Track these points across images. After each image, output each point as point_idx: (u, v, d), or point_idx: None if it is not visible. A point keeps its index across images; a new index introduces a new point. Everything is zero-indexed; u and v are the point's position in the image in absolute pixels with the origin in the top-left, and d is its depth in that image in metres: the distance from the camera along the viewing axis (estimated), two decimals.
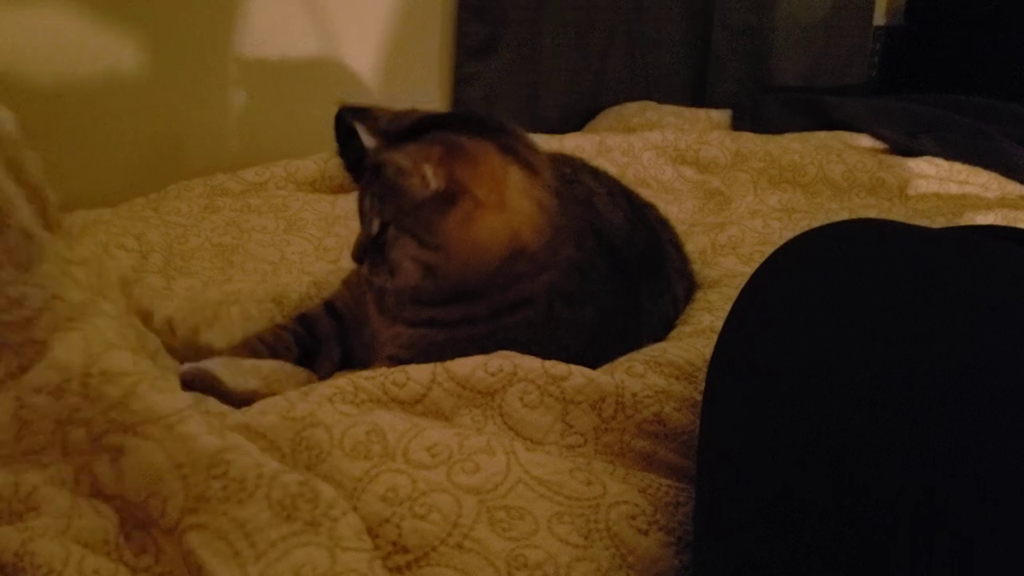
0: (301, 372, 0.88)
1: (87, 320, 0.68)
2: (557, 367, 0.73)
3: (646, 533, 0.61)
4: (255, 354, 0.88)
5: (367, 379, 0.72)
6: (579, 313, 0.85)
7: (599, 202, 0.99)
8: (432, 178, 0.78)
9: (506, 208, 0.81)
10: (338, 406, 0.69)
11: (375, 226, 0.82)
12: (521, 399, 0.71)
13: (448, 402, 0.72)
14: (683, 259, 1.11)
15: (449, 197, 0.79)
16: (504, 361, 0.73)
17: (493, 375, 0.72)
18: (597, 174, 1.10)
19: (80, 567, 0.55)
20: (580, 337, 0.85)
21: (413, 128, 0.84)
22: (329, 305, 0.98)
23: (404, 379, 0.72)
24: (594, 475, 0.65)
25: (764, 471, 0.48)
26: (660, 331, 0.95)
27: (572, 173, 1.04)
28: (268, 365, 0.85)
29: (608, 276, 0.88)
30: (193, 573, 0.56)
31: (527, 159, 0.84)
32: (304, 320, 0.96)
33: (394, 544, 0.59)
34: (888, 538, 0.40)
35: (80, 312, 0.70)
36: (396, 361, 0.84)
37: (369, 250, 0.83)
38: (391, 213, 0.80)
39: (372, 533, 0.60)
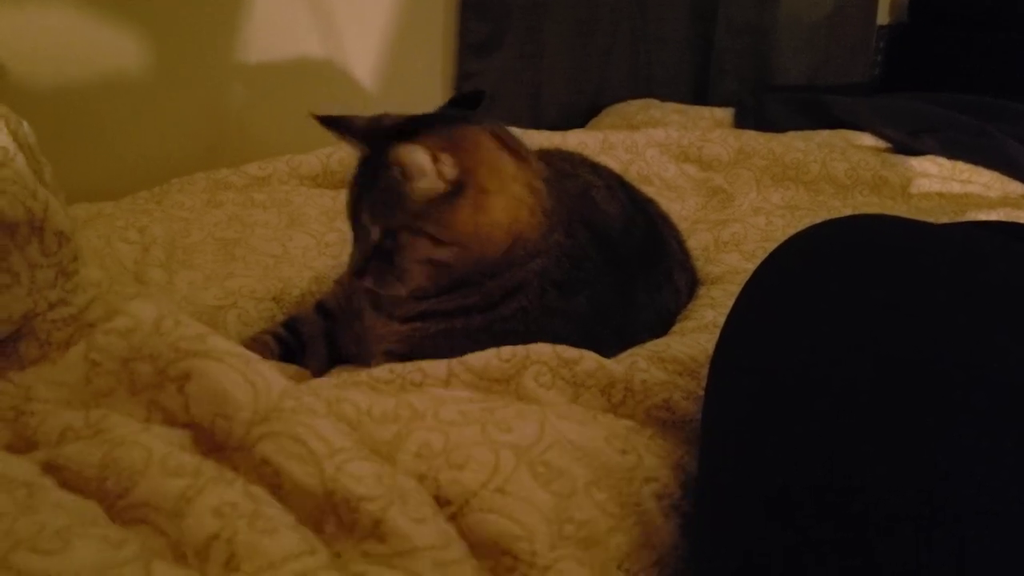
0: (288, 368, 0.88)
1: (155, 296, 0.69)
2: (568, 351, 0.73)
3: (668, 516, 0.61)
4: None
5: (385, 383, 0.72)
6: (571, 302, 0.85)
7: (596, 195, 0.99)
8: (449, 170, 0.78)
9: (504, 193, 0.82)
10: (360, 390, 0.69)
11: (375, 235, 0.80)
12: (536, 379, 0.72)
13: (467, 392, 0.72)
14: (685, 253, 1.11)
15: (457, 189, 0.79)
16: (516, 348, 0.74)
17: (507, 361, 0.72)
18: (597, 169, 1.10)
19: (164, 465, 0.54)
20: (573, 327, 0.85)
21: (399, 130, 0.82)
22: (320, 305, 0.97)
23: (421, 377, 0.72)
24: (629, 444, 0.65)
25: (764, 468, 0.48)
26: (658, 324, 0.95)
27: (571, 168, 1.04)
28: None
29: (601, 267, 0.88)
30: (271, 480, 0.56)
31: (514, 147, 0.86)
32: (290, 322, 0.96)
33: (436, 498, 0.57)
34: (885, 537, 0.40)
35: (145, 295, 0.71)
36: (392, 356, 0.84)
37: (372, 262, 0.82)
38: (401, 218, 0.79)
39: None
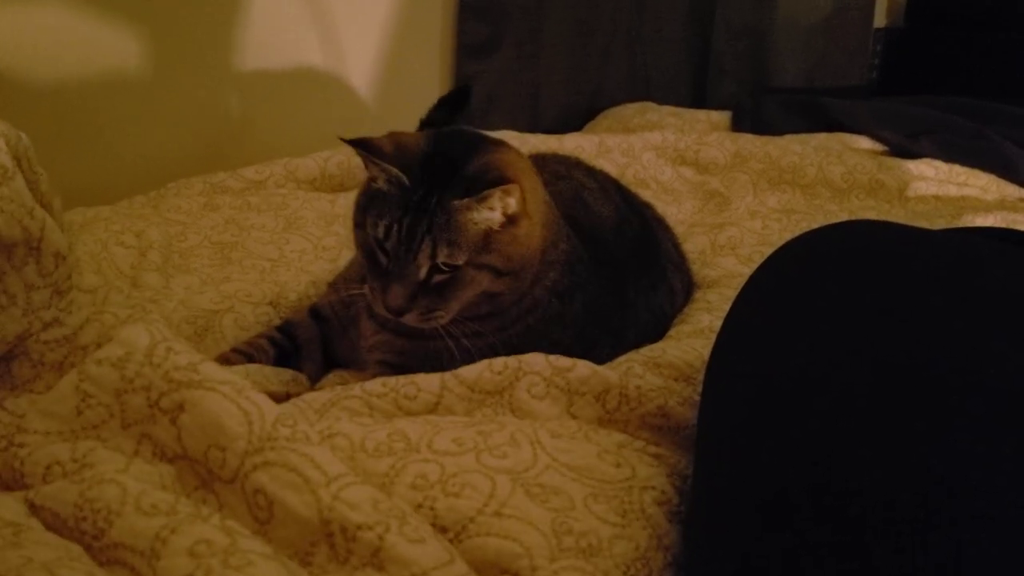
0: (284, 372, 0.87)
1: (147, 319, 0.68)
2: (561, 360, 0.74)
3: (671, 521, 0.61)
4: (229, 364, 0.87)
5: (379, 396, 0.72)
6: (568, 307, 0.85)
7: (589, 196, 0.99)
8: (516, 203, 0.77)
9: (539, 215, 0.82)
10: (355, 420, 0.69)
11: (423, 272, 0.77)
12: (528, 391, 0.72)
13: (460, 406, 0.72)
14: (681, 256, 1.11)
15: (511, 219, 0.78)
16: (508, 360, 0.74)
17: (499, 373, 0.73)
18: (592, 172, 1.10)
19: (138, 502, 0.54)
20: (569, 331, 0.85)
21: (437, 158, 0.79)
22: (314, 309, 0.97)
23: (415, 391, 0.72)
24: (622, 457, 0.65)
25: (760, 471, 0.48)
26: (652, 324, 0.95)
27: (564, 170, 1.04)
28: (246, 368, 0.84)
29: (593, 268, 0.89)
30: (263, 512, 0.56)
31: (530, 163, 0.85)
32: (285, 326, 0.95)
33: (432, 526, 0.57)
34: (882, 540, 0.40)
35: (137, 316, 0.70)
36: (385, 366, 0.84)
37: (418, 299, 0.78)
38: (466, 253, 0.76)
39: None
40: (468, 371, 0.73)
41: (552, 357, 0.74)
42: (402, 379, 0.73)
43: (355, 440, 0.64)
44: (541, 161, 0.95)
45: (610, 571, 0.55)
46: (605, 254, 0.91)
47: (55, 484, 0.57)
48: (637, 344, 0.88)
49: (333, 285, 0.99)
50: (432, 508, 0.58)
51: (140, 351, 0.63)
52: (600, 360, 0.81)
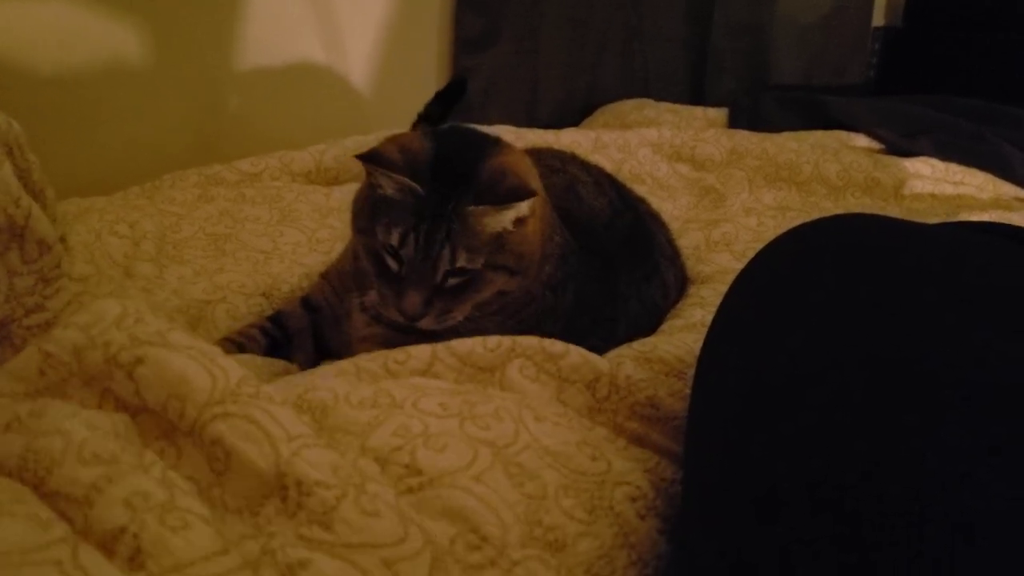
0: (276, 363, 0.87)
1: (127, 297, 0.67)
2: (555, 345, 0.73)
3: (644, 518, 0.61)
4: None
5: (369, 360, 0.72)
6: (561, 299, 0.86)
7: (582, 189, 0.99)
8: (526, 208, 0.78)
9: (542, 212, 0.83)
10: (341, 377, 0.69)
11: (439, 277, 0.77)
12: (520, 371, 0.72)
13: (450, 376, 0.72)
14: (674, 250, 1.11)
15: (521, 219, 0.79)
16: (503, 338, 0.74)
17: (492, 351, 0.73)
18: (587, 166, 1.10)
19: (80, 454, 0.52)
20: (560, 323, 0.85)
21: (445, 162, 0.79)
22: (305, 300, 0.97)
23: (405, 357, 0.72)
24: (599, 450, 0.65)
25: (753, 465, 0.48)
26: (644, 315, 0.95)
27: (559, 164, 1.04)
28: (237, 358, 0.83)
29: (585, 259, 0.89)
30: (219, 464, 0.55)
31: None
32: (277, 316, 0.95)
33: (407, 467, 0.57)
34: (877, 533, 0.40)
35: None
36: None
37: (433, 303, 0.78)
38: (483, 257, 0.77)
39: (382, 462, 0.58)
40: (461, 344, 0.73)
41: (547, 342, 0.74)
42: (395, 350, 0.73)
43: (339, 393, 0.64)
44: (536, 155, 0.95)
45: (573, 568, 0.55)
46: (597, 245, 0.91)
47: (3, 436, 0.55)
48: (629, 336, 0.88)
49: (325, 276, 0.99)
50: (412, 453, 0.58)
51: (109, 319, 0.62)
52: (591, 351, 0.81)
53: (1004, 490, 0.39)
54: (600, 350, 0.83)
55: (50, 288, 0.71)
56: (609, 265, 0.92)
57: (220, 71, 1.57)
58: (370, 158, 0.78)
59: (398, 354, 0.72)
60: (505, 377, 0.71)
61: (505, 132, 1.61)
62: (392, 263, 0.78)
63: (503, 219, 0.77)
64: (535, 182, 0.81)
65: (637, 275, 0.96)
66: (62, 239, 0.91)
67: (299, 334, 0.94)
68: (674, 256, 1.09)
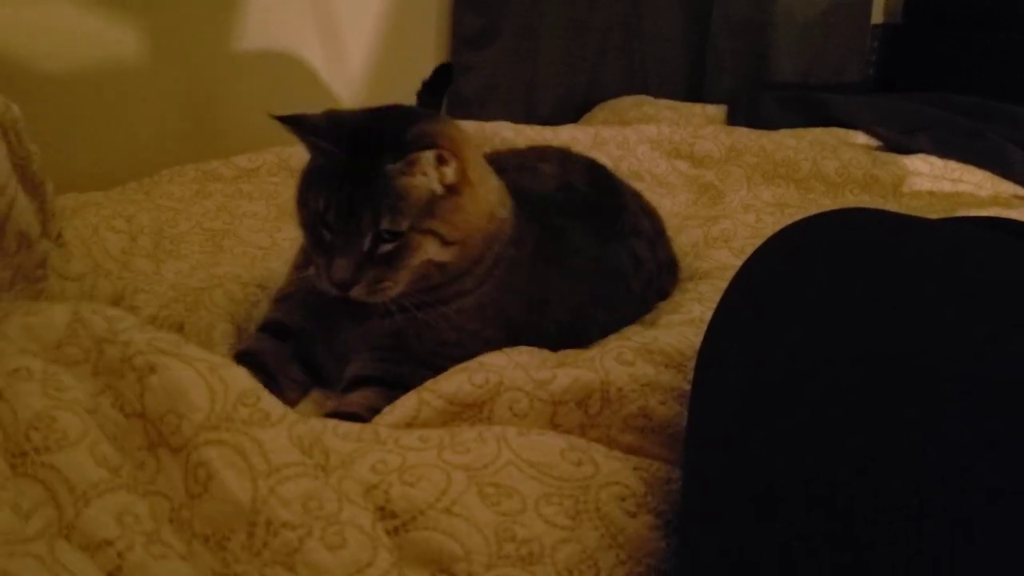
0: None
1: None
2: (541, 372, 0.74)
3: (635, 516, 0.61)
4: None
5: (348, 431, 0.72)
6: (517, 276, 0.86)
7: (539, 165, 1.01)
8: (452, 170, 0.78)
9: (486, 183, 0.84)
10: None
11: (367, 243, 0.76)
12: (511, 408, 0.72)
13: (438, 420, 0.72)
14: (658, 234, 1.10)
15: (454, 188, 0.79)
16: (488, 373, 0.74)
17: (480, 387, 0.73)
18: (568, 153, 1.13)
19: (92, 448, 0.55)
20: (521, 300, 0.86)
21: (373, 130, 0.79)
22: (271, 327, 0.88)
23: (391, 411, 0.73)
24: (586, 455, 0.65)
25: (752, 462, 0.48)
26: (599, 274, 0.95)
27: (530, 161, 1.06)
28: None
29: (536, 228, 0.89)
30: (198, 486, 0.56)
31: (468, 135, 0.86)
32: (247, 358, 0.81)
33: (382, 509, 0.59)
34: (875, 528, 0.40)
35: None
36: (381, 351, 0.83)
37: (364, 271, 0.77)
38: (409, 219, 0.76)
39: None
40: (447, 383, 0.74)
41: (531, 370, 0.74)
42: (380, 414, 0.74)
43: (328, 425, 0.66)
44: (522, 153, 0.97)
45: None
46: (543, 208, 0.93)
47: (27, 384, 0.57)
48: (592, 295, 0.91)
49: (286, 294, 0.92)
50: (387, 492, 0.59)
51: (134, 321, 0.64)
52: (558, 317, 0.86)
53: (1004, 485, 0.39)
54: (567, 320, 0.87)
55: (32, 289, 0.70)
56: (563, 228, 0.93)
57: (218, 67, 1.57)
58: (289, 120, 0.79)
59: (385, 417, 0.73)
60: (494, 413, 0.72)
61: (504, 129, 1.62)
62: (326, 233, 0.78)
63: (424, 180, 0.77)
64: (466, 149, 0.80)
65: (592, 234, 0.96)
66: (58, 237, 0.91)
67: (280, 370, 0.84)
68: (655, 238, 1.08)
